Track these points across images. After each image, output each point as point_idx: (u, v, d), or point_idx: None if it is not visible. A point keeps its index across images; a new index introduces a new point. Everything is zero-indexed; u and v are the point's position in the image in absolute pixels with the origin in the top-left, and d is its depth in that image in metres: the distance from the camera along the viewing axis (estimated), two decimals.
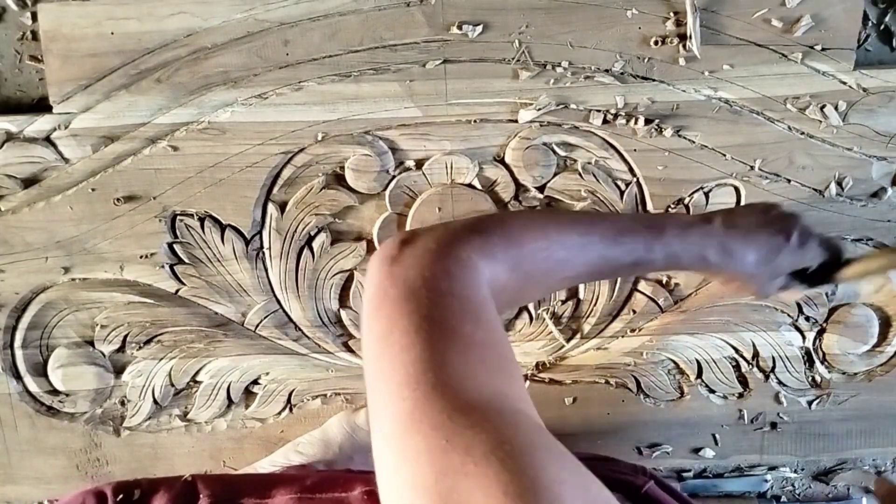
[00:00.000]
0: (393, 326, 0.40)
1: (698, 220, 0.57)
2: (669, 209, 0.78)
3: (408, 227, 0.78)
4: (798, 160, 0.76)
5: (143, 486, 0.59)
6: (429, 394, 0.35)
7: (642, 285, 0.82)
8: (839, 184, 0.77)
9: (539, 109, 0.74)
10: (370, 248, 0.80)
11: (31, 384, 0.84)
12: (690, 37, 0.71)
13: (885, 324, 0.84)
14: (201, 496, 0.57)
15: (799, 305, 0.83)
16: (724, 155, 0.76)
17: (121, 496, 0.58)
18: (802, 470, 0.94)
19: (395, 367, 0.38)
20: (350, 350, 0.85)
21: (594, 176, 0.76)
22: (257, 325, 0.82)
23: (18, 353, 0.82)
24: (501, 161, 0.76)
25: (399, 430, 0.35)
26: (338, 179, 0.77)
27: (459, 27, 0.71)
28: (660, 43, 0.72)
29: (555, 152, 0.76)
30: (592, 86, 0.73)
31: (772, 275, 0.59)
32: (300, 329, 0.83)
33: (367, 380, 0.40)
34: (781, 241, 0.58)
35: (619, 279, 0.81)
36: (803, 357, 0.86)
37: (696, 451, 0.91)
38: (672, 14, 0.71)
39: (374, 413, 0.38)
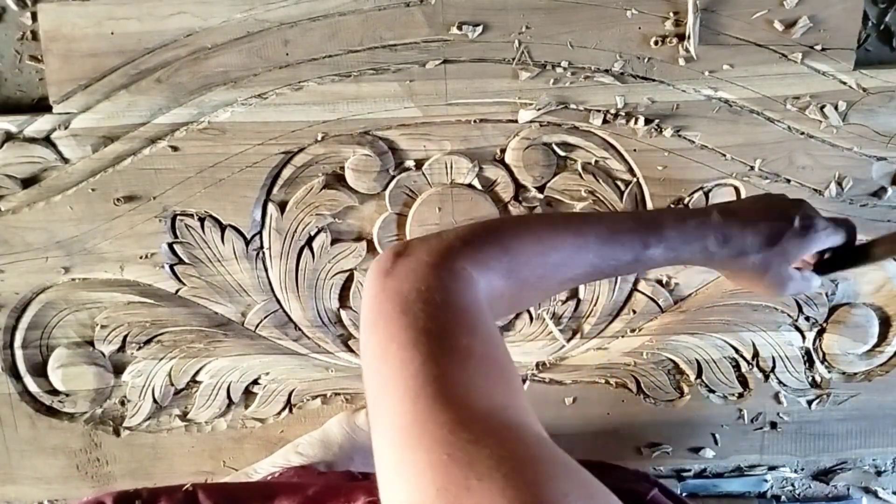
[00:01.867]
0: (390, 341, 0.40)
1: (695, 212, 0.56)
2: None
3: (408, 228, 0.78)
4: (798, 160, 0.76)
5: (143, 496, 0.59)
6: (429, 407, 0.35)
7: (642, 285, 0.82)
8: (839, 184, 0.77)
9: (539, 109, 0.74)
10: (370, 248, 0.80)
11: (31, 384, 0.84)
12: (689, 37, 0.71)
13: (884, 324, 0.84)
14: None
15: (799, 305, 0.83)
16: (724, 155, 0.76)
17: None
18: (802, 470, 0.94)
19: (394, 382, 0.37)
20: (350, 350, 0.85)
21: (594, 176, 0.76)
22: (257, 325, 0.82)
23: (18, 353, 0.82)
24: (501, 161, 0.76)
25: (399, 444, 0.34)
26: (338, 179, 0.77)
27: (459, 27, 0.71)
28: (660, 43, 0.72)
29: (555, 152, 0.76)
30: (592, 86, 0.73)
31: (781, 264, 0.56)
32: (300, 329, 0.83)
33: (368, 394, 0.40)
34: (783, 226, 0.55)
35: (618, 279, 0.81)
36: (803, 357, 0.86)
37: (696, 450, 0.91)
38: (672, 14, 0.71)
39: (374, 427, 0.38)
